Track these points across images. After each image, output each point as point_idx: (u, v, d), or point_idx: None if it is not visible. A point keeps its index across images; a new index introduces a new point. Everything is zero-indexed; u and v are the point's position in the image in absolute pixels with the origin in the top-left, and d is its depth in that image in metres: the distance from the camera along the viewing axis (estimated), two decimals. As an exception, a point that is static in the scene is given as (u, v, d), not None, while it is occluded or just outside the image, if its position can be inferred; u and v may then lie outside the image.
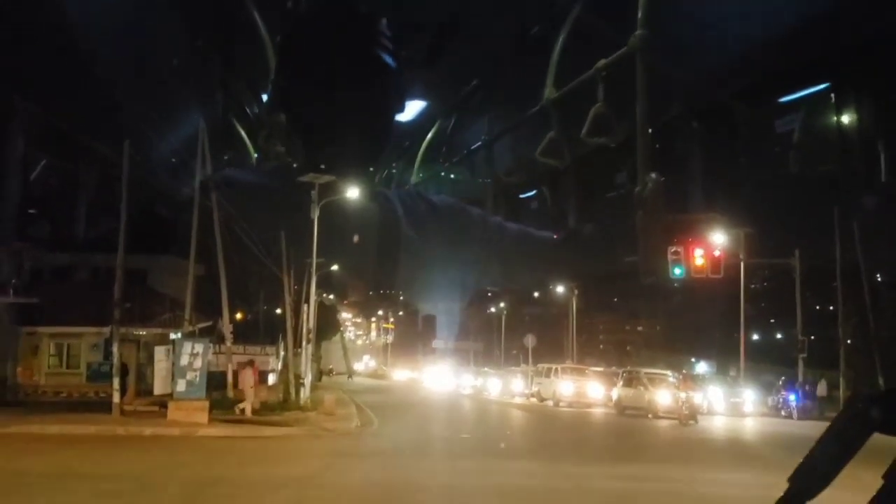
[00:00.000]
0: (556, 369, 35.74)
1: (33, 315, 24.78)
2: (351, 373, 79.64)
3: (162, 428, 18.53)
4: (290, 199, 29.87)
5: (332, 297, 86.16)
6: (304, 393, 26.36)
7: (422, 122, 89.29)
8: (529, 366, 40.78)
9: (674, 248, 29.70)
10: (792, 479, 1.21)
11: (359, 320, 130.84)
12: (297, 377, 26.62)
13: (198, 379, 19.58)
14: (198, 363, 19.55)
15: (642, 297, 67.34)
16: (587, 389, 33.72)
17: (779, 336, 61.87)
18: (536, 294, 75.91)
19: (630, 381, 30.46)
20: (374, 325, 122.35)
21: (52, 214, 37.54)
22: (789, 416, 29.73)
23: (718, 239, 32.65)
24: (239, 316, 38.16)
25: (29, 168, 35.45)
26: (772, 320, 64.56)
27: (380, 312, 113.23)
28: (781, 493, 1.24)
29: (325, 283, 71.47)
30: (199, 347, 19.74)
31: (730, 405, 32.22)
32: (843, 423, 1.21)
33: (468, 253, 75.65)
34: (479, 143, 78.78)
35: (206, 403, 19.49)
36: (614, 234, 63.33)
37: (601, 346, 70.04)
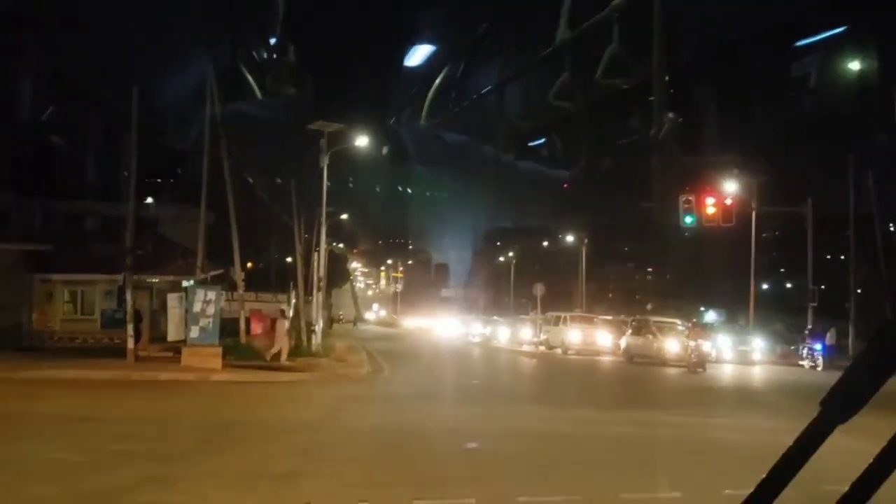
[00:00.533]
0: (565, 317, 35.88)
1: (47, 262, 24.94)
2: (358, 319, 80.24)
3: (176, 373, 18.76)
4: (301, 136, 29.64)
5: (341, 245, 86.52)
6: (316, 340, 26.59)
7: (431, 67, 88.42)
8: (538, 314, 40.90)
9: (685, 197, 29.60)
10: (824, 403, 1.19)
11: (368, 269, 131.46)
12: (309, 324, 26.82)
13: (211, 325, 19.74)
14: (211, 310, 19.69)
15: (652, 245, 67.18)
16: (596, 337, 33.88)
17: (788, 286, 61.70)
18: (546, 243, 75.88)
19: (639, 330, 30.58)
20: (383, 274, 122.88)
21: (63, 162, 37.54)
22: (814, 367, 29.15)
23: (730, 187, 32.42)
24: (250, 265, 38.33)
25: (37, 114, 35.37)
26: (782, 270, 64.44)
27: (389, 261, 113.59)
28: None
29: (335, 232, 71.71)
30: (211, 294, 19.87)
31: (738, 353, 32.36)
32: (876, 349, 1.18)
33: (480, 191, 75.39)
34: (490, 87, 78.14)
35: (220, 349, 19.69)
36: (628, 177, 63.02)
37: (610, 295, 70.00)
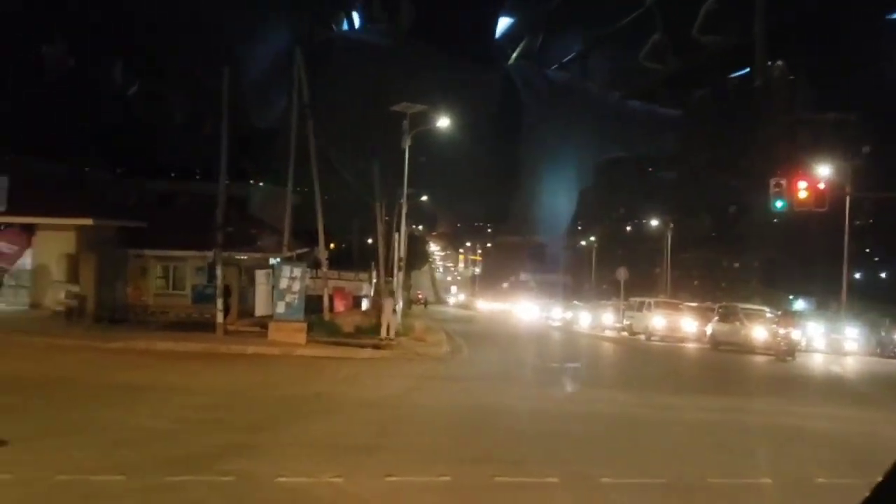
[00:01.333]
0: (650, 303, 35.16)
1: (140, 239, 25.88)
2: (430, 301, 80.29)
3: (263, 347, 19.21)
4: (401, 62, 29.72)
5: (421, 227, 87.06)
6: (396, 319, 26.82)
7: (510, 38, 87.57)
8: (621, 300, 40.19)
9: (776, 180, 28.43)
10: None
11: (447, 252, 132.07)
12: (391, 303, 27.08)
13: (296, 301, 20.12)
14: (296, 287, 20.06)
15: (740, 231, 65.29)
16: (680, 324, 33.09)
17: (883, 275, 58.93)
18: (629, 228, 74.68)
19: (726, 317, 29.67)
20: (461, 257, 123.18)
21: (153, 141, 38.75)
22: None
23: (824, 171, 31.01)
24: (333, 245, 38.99)
25: (124, 90, 36.46)
26: (876, 258, 61.71)
27: (468, 244, 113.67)
28: (881, 427, 1.07)
29: (416, 214, 72.16)
30: (297, 272, 20.23)
31: (830, 342, 31.12)
32: None
33: (588, 129, 74.12)
34: (572, 55, 76.68)
35: (304, 325, 20.06)
36: (735, 122, 60.90)
37: (695, 282, 68.32)
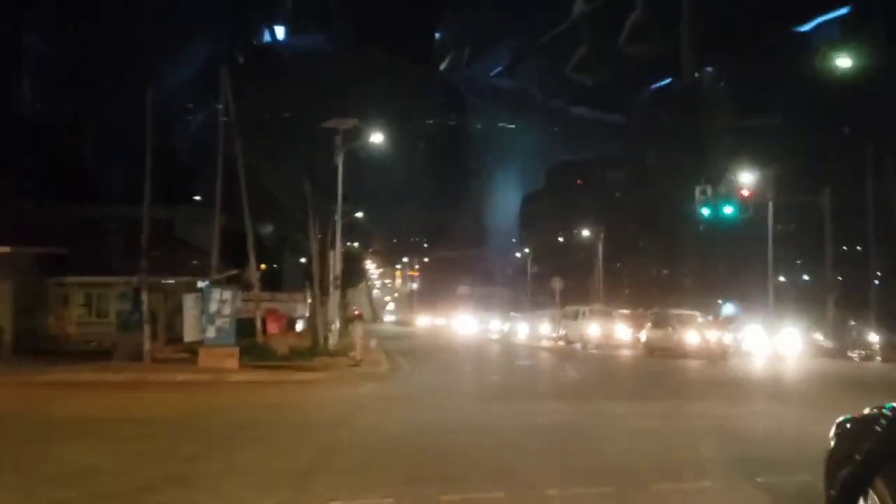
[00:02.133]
0: (584, 312, 35.64)
1: (62, 266, 24.94)
2: (373, 318, 79.77)
3: (193, 374, 18.68)
4: (335, 73, 29.45)
5: (356, 244, 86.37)
6: (333, 339, 26.48)
7: (437, 50, 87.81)
8: (557, 309, 40.66)
9: (701, 188, 29.28)
10: None
11: (384, 269, 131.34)
12: (325, 324, 26.72)
13: (227, 326, 19.66)
14: (227, 310, 19.59)
15: (668, 239, 66.79)
16: (615, 331, 33.62)
17: (805, 277, 61.03)
18: (561, 239, 75.46)
19: (658, 322, 30.29)
20: (399, 273, 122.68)
21: (75, 165, 37.46)
22: (869, 358, 28.83)
23: (747, 178, 32.02)
24: (263, 266, 38.31)
25: (38, 110, 35.20)
26: (798, 261, 63.86)
27: (405, 259, 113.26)
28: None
29: (351, 231, 71.66)
30: (227, 294, 19.77)
31: (763, 345, 32.00)
32: None
33: (532, 137, 74.37)
34: (499, 69, 77.56)
35: (237, 350, 19.60)
36: (667, 129, 62.28)
37: (626, 290, 69.53)
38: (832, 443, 4.93)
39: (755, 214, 31.69)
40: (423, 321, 79.95)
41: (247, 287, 28.01)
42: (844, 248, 49.21)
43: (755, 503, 7.01)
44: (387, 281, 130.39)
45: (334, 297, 27.60)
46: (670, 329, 29.17)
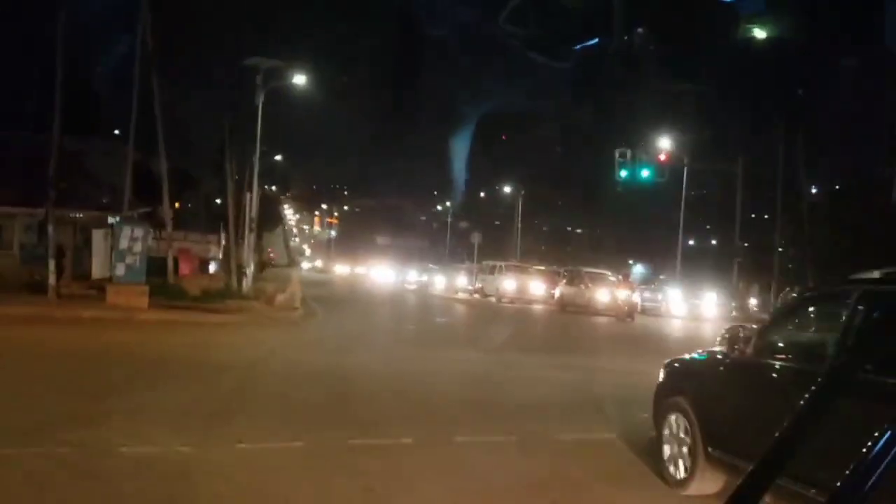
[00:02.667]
0: (500, 266, 36.23)
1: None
2: (289, 263, 78.58)
3: (101, 311, 18.22)
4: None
5: (274, 188, 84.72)
6: (247, 283, 26.19)
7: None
8: (474, 263, 41.20)
9: (620, 150, 29.89)
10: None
11: (301, 214, 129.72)
12: (240, 266, 26.37)
13: (138, 263, 19.21)
14: (137, 247, 19.13)
15: (586, 198, 68.16)
16: (529, 287, 34.34)
17: (713, 242, 63.40)
18: (483, 194, 76.06)
19: (572, 280, 31.09)
20: (317, 220, 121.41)
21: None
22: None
23: (664, 143, 32.90)
24: (178, 204, 37.35)
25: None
26: (708, 226, 66.19)
27: (324, 206, 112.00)
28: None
29: (269, 174, 70.16)
30: (138, 232, 19.28)
31: (658, 306, 33.30)
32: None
33: (479, 81, 72.94)
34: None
35: (146, 288, 19.18)
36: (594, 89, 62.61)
37: (543, 248, 70.84)
38: (660, 378, 6.58)
39: (671, 179, 32.64)
40: (342, 269, 79.66)
41: (159, 225, 27.38)
42: (752, 215, 51.39)
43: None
44: (305, 227, 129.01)
45: (249, 240, 27.21)
46: (583, 287, 30.00)
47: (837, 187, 49.90)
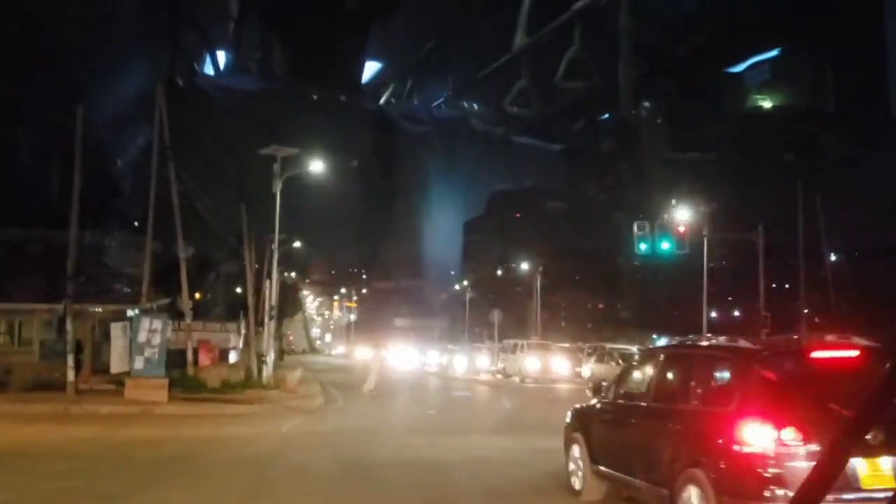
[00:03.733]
0: (522, 345, 35.65)
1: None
2: (310, 349, 77.99)
3: (119, 406, 18.00)
4: (273, 105, 29.27)
5: (293, 275, 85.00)
6: (267, 371, 25.90)
7: (377, 85, 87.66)
8: (495, 342, 40.56)
9: (639, 223, 29.74)
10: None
11: (321, 299, 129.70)
12: (259, 355, 26.13)
13: (157, 356, 19.03)
14: (156, 340, 18.98)
15: (605, 272, 67.75)
16: (552, 365, 33.67)
17: (736, 313, 62.49)
18: (500, 272, 75.78)
19: (601, 357, 30.40)
20: (336, 304, 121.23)
21: (3, 185, 35.96)
22: None
23: (683, 214, 32.55)
24: (198, 295, 37.42)
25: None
26: (730, 298, 65.28)
27: (343, 290, 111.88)
28: None
29: (287, 261, 70.57)
30: (157, 324, 19.16)
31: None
32: None
33: (473, 165, 73.97)
34: (442, 100, 77.44)
35: (166, 381, 18.95)
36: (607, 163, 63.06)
37: (563, 323, 70.04)
38: (567, 421, 9.01)
39: (690, 251, 32.21)
40: (361, 353, 78.55)
41: (178, 316, 27.30)
42: (773, 285, 50.75)
43: None
44: (325, 312, 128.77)
45: (269, 328, 27.05)
46: (613, 364, 29.21)
47: (857, 253, 49.46)
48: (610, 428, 7.89)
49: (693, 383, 6.86)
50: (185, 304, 22.52)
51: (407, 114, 78.55)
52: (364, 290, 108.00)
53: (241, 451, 12.37)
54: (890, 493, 5.50)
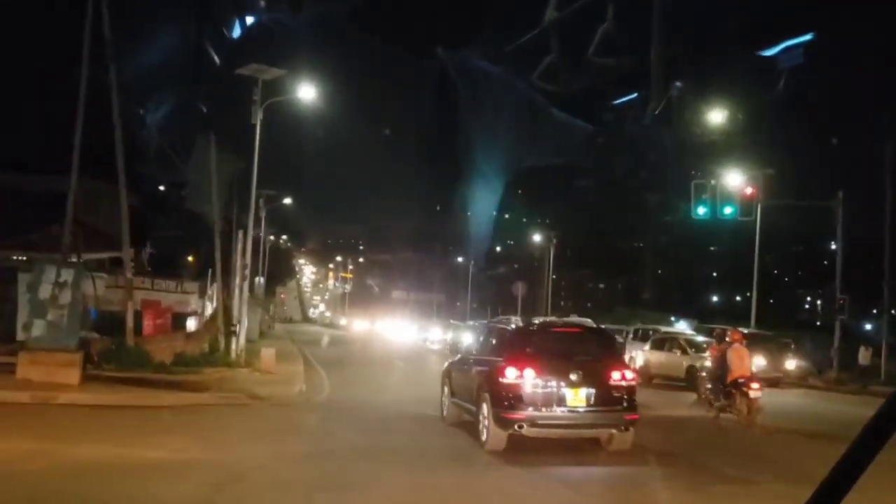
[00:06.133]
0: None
1: None
2: (303, 319, 72.24)
3: (7, 391, 12.06)
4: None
5: (285, 238, 78.80)
6: (237, 345, 19.93)
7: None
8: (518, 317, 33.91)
9: (700, 182, 23.80)
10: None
11: (316, 269, 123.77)
12: (229, 324, 20.15)
13: (65, 320, 13.04)
14: (65, 297, 12.98)
15: (619, 254, 62.58)
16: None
17: (770, 301, 56.41)
18: (510, 242, 70.02)
19: (660, 345, 23.04)
20: (331, 274, 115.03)
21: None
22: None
23: (734, 180, 26.20)
24: (149, 250, 31.07)
25: None
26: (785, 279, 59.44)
27: (338, 258, 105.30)
28: None
29: (282, 224, 64.45)
30: (67, 275, 13.13)
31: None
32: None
33: (507, 136, 68.02)
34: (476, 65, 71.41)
35: (78, 356, 12.97)
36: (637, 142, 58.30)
37: (562, 303, 64.32)
38: (445, 366, 12.59)
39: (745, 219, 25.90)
40: (357, 325, 72.40)
41: (141, 272, 21.39)
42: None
43: None
44: (320, 284, 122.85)
45: (244, 290, 21.01)
46: (678, 353, 22.03)
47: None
48: (458, 374, 11.69)
49: (490, 345, 11.10)
50: (126, 253, 16.34)
51: (456, 68, 70.78)
52: (361, 260, 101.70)
53: (163, 486, 6.50)
54: (584, 409, 9.39)
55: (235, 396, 13.93)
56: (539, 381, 9.18)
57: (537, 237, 46.78)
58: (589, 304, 63.79)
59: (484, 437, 9.61)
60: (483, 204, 71.61)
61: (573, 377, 9.22)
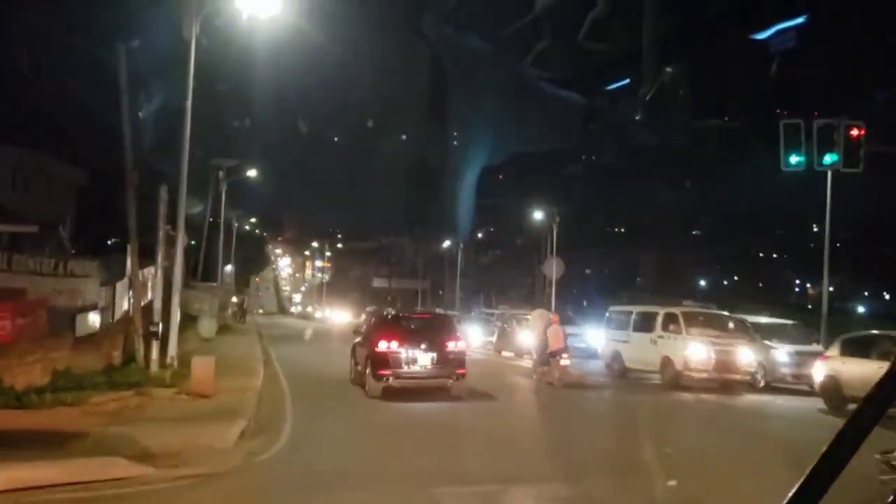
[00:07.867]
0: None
1: None
2: (279, 310, 64.96)
3: None
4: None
5: (253, 223, 71.42)
6: (168, 353, 13.25)
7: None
8: (543, 309, 24.73)
9: (788, 123, 17.45)
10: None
11: (293, 259, 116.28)
12: (149, 322, 13.42)
13: None
14: None
15: (625, 236, 57.75)
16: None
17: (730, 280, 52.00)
18: (493, 229, 63.74)
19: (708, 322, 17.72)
20: (308, 263, 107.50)
21: None
22: None
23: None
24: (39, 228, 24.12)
25: None
26: (718, 266, 55.80)
27: (314, 244, 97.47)
28: None
29: (249, 203, 57.58)
30: None
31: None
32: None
33: (495, 115, 62.10)
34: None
35: None
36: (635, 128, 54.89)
37: (546, 290, 59.15)
38: (352, 344, 16.35)
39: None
40: (335, 317, 65.04)
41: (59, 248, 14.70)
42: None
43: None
44: (298, 274, 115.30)
45: (177, 272, 14.29)
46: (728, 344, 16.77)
47: None
48: (357, 349, 15.42)
49: (372, 327, 15.19)
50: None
51: (444, 49, 64.52)
52: (339, 245, 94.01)
53: None
54: (430, 367, 13.60)
55: (105, 466, 7.18)
56: (400, 350, 13.52)
57: (538, 215, 40.25)
58: (575, 291, 58.45)
59: (366, 389, 13.69)
60: (470, 189, 65.69)
61: (422, 346, 13.56)
